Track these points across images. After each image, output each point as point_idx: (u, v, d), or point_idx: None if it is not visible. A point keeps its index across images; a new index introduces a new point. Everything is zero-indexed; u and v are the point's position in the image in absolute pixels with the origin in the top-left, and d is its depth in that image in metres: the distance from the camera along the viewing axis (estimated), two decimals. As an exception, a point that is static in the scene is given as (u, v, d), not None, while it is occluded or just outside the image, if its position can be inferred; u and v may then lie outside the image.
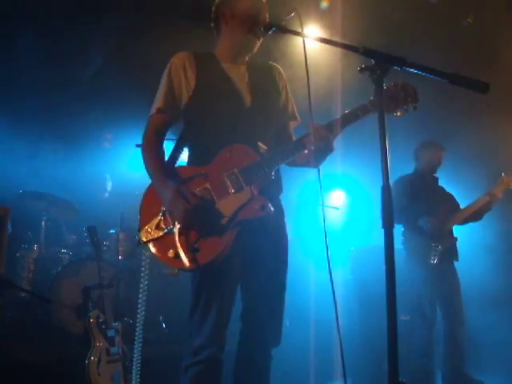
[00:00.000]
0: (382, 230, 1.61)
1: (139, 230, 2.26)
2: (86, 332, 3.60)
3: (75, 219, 5.34)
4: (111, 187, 5.96)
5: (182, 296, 4.80)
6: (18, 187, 5.18)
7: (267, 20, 2.30)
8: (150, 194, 2.32)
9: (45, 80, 5.47)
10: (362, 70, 1.73)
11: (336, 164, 5.18)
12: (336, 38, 2.02)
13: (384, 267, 1.58)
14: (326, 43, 2.08)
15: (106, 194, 5.90)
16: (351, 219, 6.97)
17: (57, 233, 5.35)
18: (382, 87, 1.72)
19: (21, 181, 5.30)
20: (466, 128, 5.91)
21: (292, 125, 2.58)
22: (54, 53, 5.35)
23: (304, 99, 2.21)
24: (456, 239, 4.52)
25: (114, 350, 3.58)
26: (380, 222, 1.62)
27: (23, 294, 4.62)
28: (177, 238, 2.14)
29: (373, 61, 1.71)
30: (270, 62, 2.60)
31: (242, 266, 2.29)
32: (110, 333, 3.62)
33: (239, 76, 2.42)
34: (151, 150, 2.37)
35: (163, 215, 2.21)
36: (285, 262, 2.43)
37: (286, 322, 4.69)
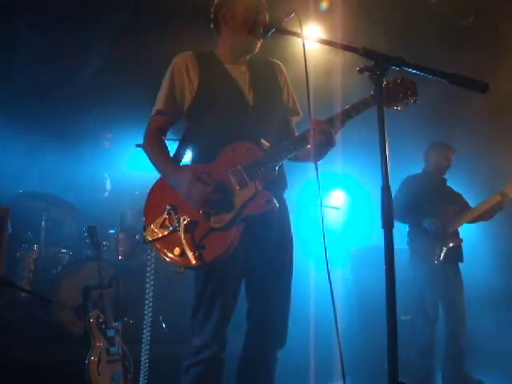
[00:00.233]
0: (382, 230, 1.61)
1: (144, 230, 2.26)
2: (86, 332, 3.60)
3: (75, 219, 5.34)
4: (111, 187, 5.95)
5: (182, 296, 4.83)
6: (18, 187, 5.19)
7: (267, 21, 2.30)
8: (155, 193, 2.32)
9: (45, 79, 5.48)
10: (361, 70, 1.73)
11: (336, 164, 5.19)
12: (336, 39, 2.02)
13: (384, 267, 1.59)
14: (326, 44, 2.08)
15: (106, 194, 5.90)
16: (351, 219, 6.96)
17: (57, 233, 5.36)
18: (382, 87, 1.72)
19: (21, 181, 5.30)
20: (475, 128, 5.88)
21: (294, 120, 2.59)
22: (54, 52, 5.35)
23: (304, 99, 2.21)
24: (461, 240, 4.49)
25: (114, 349, 3.58)
26: (380, 222, 1.62)
27: (23, 294, 4.62)
28: (182, 236, 2.14)
29: (372, 61, 1.72)
30: (271, 59, 2.60)
31: (246, 264, 2.29)
32: (110, 333, 3.62)
33: (241, 75, 2.43)
34: (156, 146, 2.39)
35: (168, 213, 2.21)
36: (290, 260, 2.42)
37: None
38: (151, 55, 4.91)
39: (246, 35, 2.33)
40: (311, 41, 2.20)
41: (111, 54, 5.66)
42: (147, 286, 2.40)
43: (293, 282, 2.43)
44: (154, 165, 2.35)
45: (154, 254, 2.33)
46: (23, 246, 4.94)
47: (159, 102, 2.39)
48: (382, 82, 1.73)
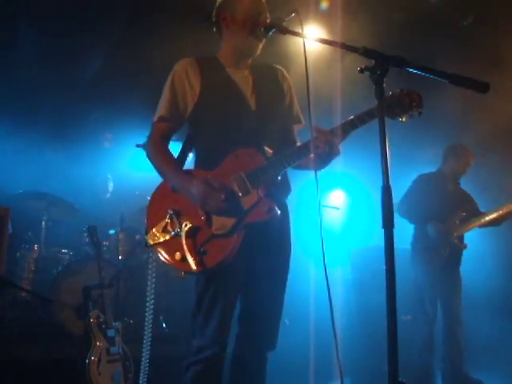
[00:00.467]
0: (382, 230, 1.61)
1: (146, 233, 2.25)
2: (86, 332, 3.60)
3: (75, 219, 5.34)
4: (112, 187, 5.96)
5: (182, 296, 4.83)
6: (18, 187, 5.19)
7: (268, 21, 2.29)
8: (158, 197, 2.32)
9: (45, 80, 5.48)
10: (362, 70, 1.73)
11: (336, 163, 5.17)
12: (336, 39, 2.02)
13: (384, 267, 1.59)
14: (327, 44, 2.08)
15: (108, 195, 5.90)
16: (351, 219, 6.96)
17: (57, 233, 5.36)
18: (383, 87, 1.72)
19: (21, 181, 5.30)
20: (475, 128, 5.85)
21: (296, 128, 2.57)
22: (55, 54, 5.35)
23: (304, 99, 2.21)
24: (465, 246, 4.48)
25: (114, 349, 3.58)
26: (380, 222, 1.62)
27: (23, 294, 4.61)
28: (184, 241, 2.14)
29: (373, 61, 1.71)
30: (274, 65, 2.59)
31: (245, 268, 2.29)
32: (110, 333, 3.62)
33: (243, 80, 2.42)
34: (161, 153, 2.37)
35: (170, 218, 2.20)
36: (286, 267, 2.43)
37: (286, 322, 4.69)
38: (152, 56, 4.91)
39: (247, 36, 2.32)
40: (312, 40, 2.20)
41: (112, 54, 5.66)
42: (148, 283, 2.40)
43: (287, 286, 2.43)
44: (158, 170, 2.34)
45: (155, 257, 2.32)
46: (23, 245, 4.94)
47: (161, 109, 2.38)
48: (383, 83, 1.73)
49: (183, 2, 4.85)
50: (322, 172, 2.23)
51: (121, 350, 3.62)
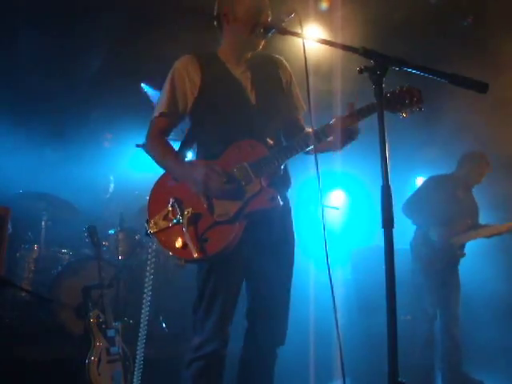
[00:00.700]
0: (382, 230, 1.61)
1: (147, 222, 2.26)
2: (86, 332, 3.60)
3: (75, 219, 5.34)
4: (112, 188, 5.96)
5: (182, 295, 4.83)
6: (18, 187, 5.18)
7: (269, 20, 2.29)
8: (159, 187, 2.33)
9: (45, 80, 5.47)
10: (361, 70, 1.73)
11: (336, 163, 5.18)
12: (336, 39, 2.03)
13: (384, 267, 1.58)
14: (326, 44, 2.08)
15: (108, 196, 5.90)
16: (351, 219, 6.96)
17: (57, 233, 5.35)
18: (382, 88, 1.72)
19: (21, 181, 5.29)
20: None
21: (301, 115, 2.58)
22: (55, 53, 5.35)
23: (304, 99, 2.21)
24: (464, 255, 4.46)
25: (114, 349, 3.58)
26: (380, 222, 1.62)
27: (23, 294, 4.61)
28: (185, 228, 2.15)
29: (372, 61, 1.71)
30: (274, 55, 2.58)
31: (247, 260, 2.29)
32: (110, 333, 3.62)
33: (243, 74, 2.42)
34: (160, 146, 2.39)
35: (172, 206, 2.22)
36: (290, 259, 2.43)
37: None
38: (151, 55, 4.91)
39: (248, 35, 2.32)
40: (311, 41, 2.20)
41: (112, 54, 5.66)
42: (146, 279, 2.40)
43: (292, 282, 2.43)
44: (159, 162, 2.35)
45: (154, 252, 2.32)
46: (23, 246, 4.94)
47: (161, 105, 2.38)
48: (382, 83, 1.73)
49: (183, 1, 4.85)
50: (322, 172, 2.23)
51: (121, 350, 3.62)
